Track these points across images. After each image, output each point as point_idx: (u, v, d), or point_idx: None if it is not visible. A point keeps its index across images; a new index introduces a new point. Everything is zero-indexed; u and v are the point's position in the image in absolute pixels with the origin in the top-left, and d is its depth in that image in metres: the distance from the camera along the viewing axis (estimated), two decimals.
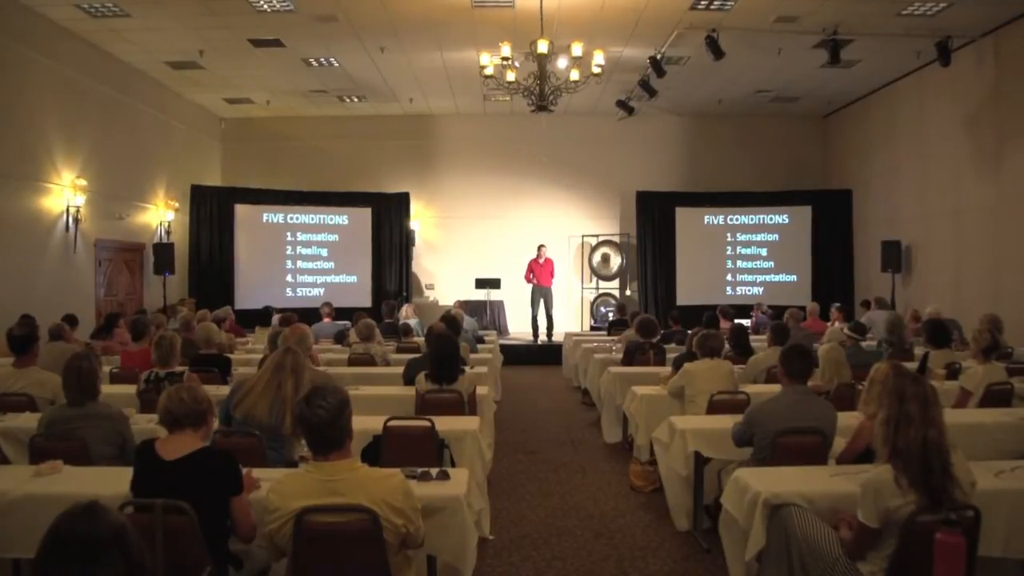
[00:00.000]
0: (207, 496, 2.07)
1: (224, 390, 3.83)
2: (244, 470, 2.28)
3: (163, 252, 9.40)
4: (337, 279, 11.38)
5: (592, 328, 11.19)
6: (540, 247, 10.37)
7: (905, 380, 2.10)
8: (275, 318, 7.24)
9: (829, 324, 7.21)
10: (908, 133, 9.50)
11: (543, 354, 10.07)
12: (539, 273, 10.25)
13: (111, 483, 2.33)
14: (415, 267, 11.90)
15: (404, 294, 11.26)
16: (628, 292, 11.91)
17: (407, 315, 8.26)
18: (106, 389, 3.96)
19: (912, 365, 4.22)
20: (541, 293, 10.26)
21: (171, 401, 2.21)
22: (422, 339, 6.28)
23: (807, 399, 2.96)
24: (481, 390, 4.21)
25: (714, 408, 3.79)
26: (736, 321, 7.07)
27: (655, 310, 11.17)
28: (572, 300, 12.20)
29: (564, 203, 12.00)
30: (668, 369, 4.89)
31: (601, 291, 12.05)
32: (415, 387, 3.95)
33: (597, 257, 11.93)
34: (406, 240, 11.49)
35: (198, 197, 10.59)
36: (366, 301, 11.11)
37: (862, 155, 10.77)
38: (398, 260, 11.48)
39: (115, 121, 8.70)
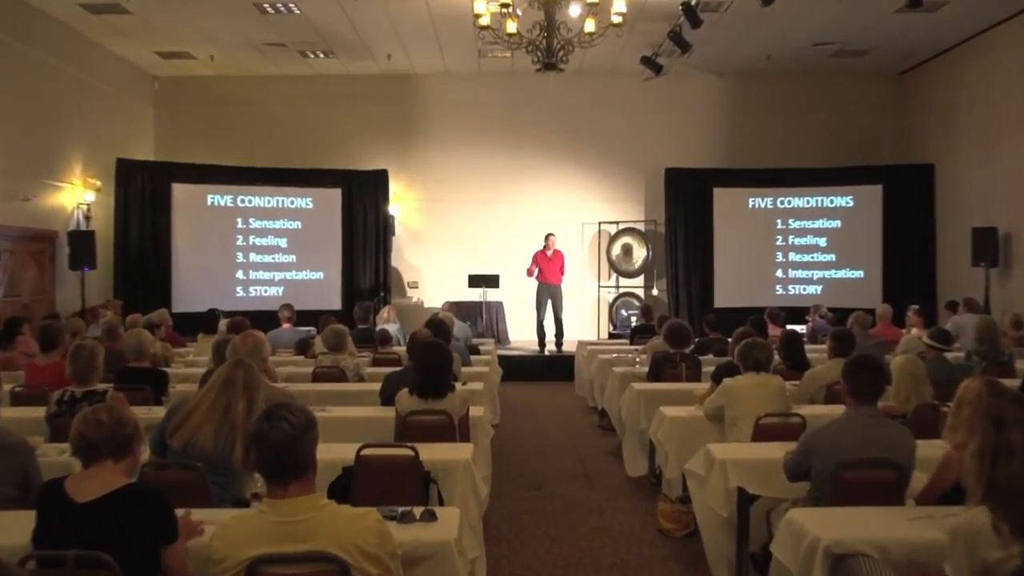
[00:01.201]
0: (132, 547, 2.03)
1: (158, 412, 3.82)
2: (180, 512, 2.25)
3: (81, 242, 9.35)
4: (299, 276, 11.39)
5: (611, 335, 11.22)
6: (548, 236, 10.37)
7: (1004, 401, 2.08)
8: (222, 323, 7.24)
9: (905, 331, 7.21)
10: (1008, 93, 9.39)
11: (551, 367, 10.08)
12: (546, 268, 10.24)
13: (11, 531, 2.28)
14: (395, 261, 11.90)
15: (382, 294, 11.27)
16: (655, 292, 11.92)
17: (385, 319, 8.27)
18: (6, 413, 3.95)
19: (1012, 382, 4.17)
20: (549, 292, 10.26)
21: (86, 425, 2.17)
22: (403, 349, 6.26)
23: (877, 424, 2.95)
24: (475, 411, 4.21)
25: (761, 434, 3.78)
26: (788, 327, 7.06)
27: (688, 314, 11.17)
28: (586, 301, 12.20)
29: (577, 183, 12.01)
30: (704, 386, 4.87)
31: (622, 290, 12.04)
32: (395, 407, 3.94)
33: (617, 249, 11.93)
34: (384, 228, 11.49)
35: (125, 174, 10.57)
36: (335, 303, 11.11)
37: (948, 121, 10.73)
38: (374, 253, 11.49)
39: (15, 79, 8.61)
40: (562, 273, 10.38)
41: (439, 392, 3.86)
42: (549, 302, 10.27)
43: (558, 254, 10.36)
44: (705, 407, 4.21)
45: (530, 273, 10.32)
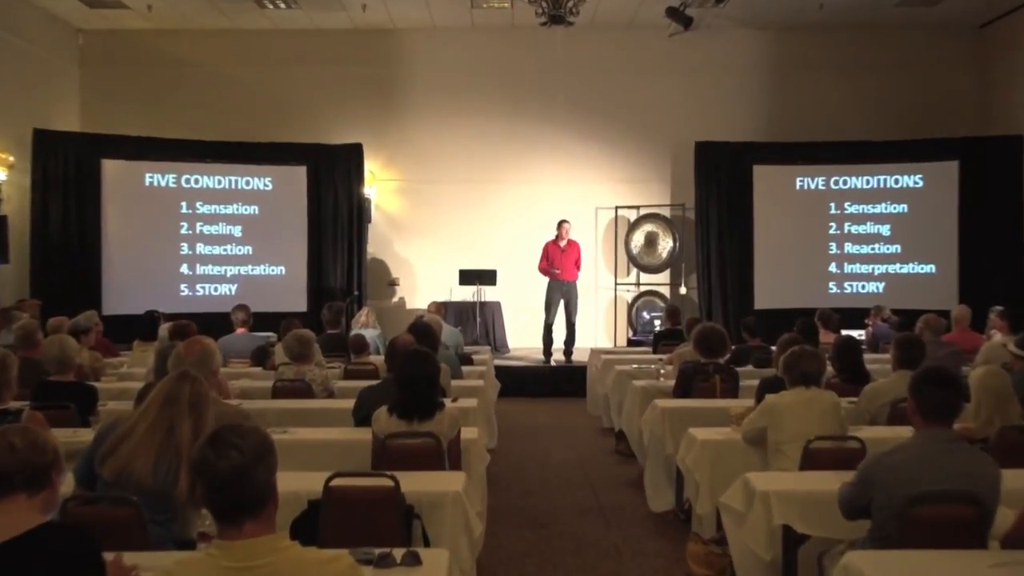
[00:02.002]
0: None
1: (85, 435, 3.82)
2: (110, 557, 2.24)
3: None
4: (257, 271, 11.40)
5: (630, 342, 11.23)
6: (561, 224, 10.32)
7: None
8: (163, 328, 7.21)
9: (985, 337, 7.18)
10: None
11: (558, 381, 10.09)
12: (560, 261, 10.21)
13: None
14: (372, 254, 11.91)
15: (356, 293, 11.28)
16: (683, 290, 11.92)
17: (362, 324, 8.26)
18: None
19: None
20: (562, 291, 10.22)
21: None
22: (382, 358, 6.26)
23: (953, 449, 2.94)
24: (468, 433, 4.21)
25: (812, 461, 3.78)
26: (844, 333, 7.04)
27: (723, 316, 11.18)
28: (600, 301, 12.20)
29: (589, 160, 12.01)
30: (743, 403, 4.87)
31: (643, 288, 12.04)
32: (371, 428, 3.94)
33: (638, 239, 11.93)
34: (358, 214, 11.50)
35: (45, 148, 10.55)
36: (299, 303, 11.12)
37: None
38: (346, 244, 11.50)
39: None
40: (578, 268, 10.36)
41: (424, 411, 3.86)
42: (561, 303, 10.25)
43: (573, 245, 10.33)
44: (744, 429, 4.20)
45: (542, 268, 10.28)
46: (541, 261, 10.32)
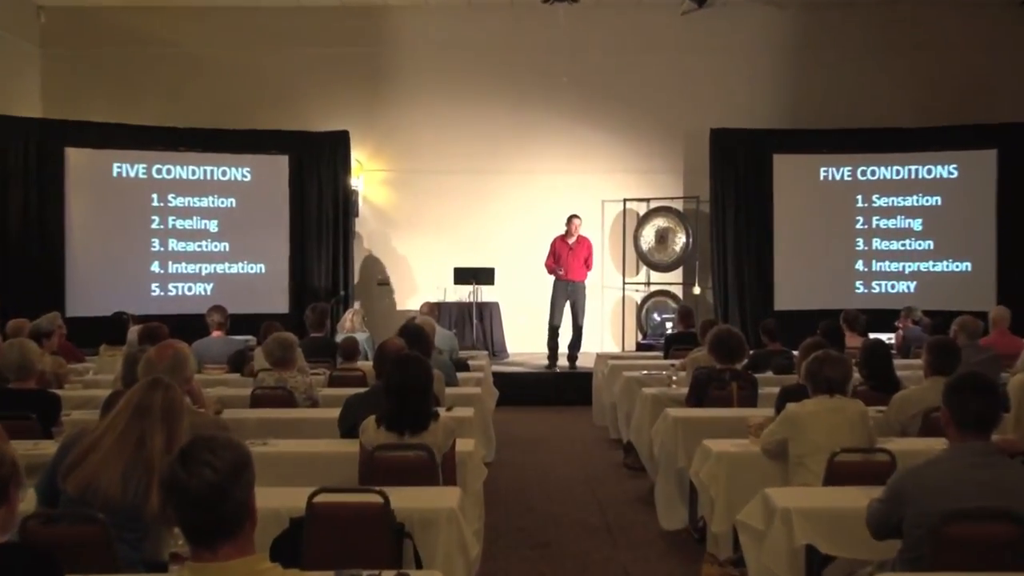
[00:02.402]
0: None
1: (47, 448, 3.82)
2: None
3: None
4: (234, 269, 11.41)
5: (639, 346, 11.23)
6: (571, 219, 10.28)
7: None
8: (133, 331, 7.21)
9: None
10: None
11: (561, 388, 10.11)
12: (568, 260, 10.20)
13: None
14: (359, 251, 11.92)
15: (342, 293, 11.29)
16: (697, 290, 11.92)
17: (347, 326, 8.26)
18: None
19: None
20: (569, 292, 10.23)
21: None
22: (370, 364, 6.26)
23: (991, 463, 2.94)
24: (464, 445, 4.21)
25: (837, 475, 3.78)
26: (872, 336, 7.04)
27: (741, 318, 11.21)
28: (607, 302, 12.21)
29: (596, 149, 12.02)
30: (762, 412, 4.88)
31: (654, 288, 12.04)
32: (359, 440, 3.94)
33: (648, 234, 11.94)
34: (344, 208, 11.52)
35: (3, 135, 10.54)
36: (281, 304, 11.15)
37: None
38: (331, 240, 11.51)
39: None
40: (588, 267, 10.35)
41: (416, 422, 3.86)
42: (568, 305, 10.25)
43: (583, 242, 10.31)
44: (763, 440, 4.20)
45: (550, 267, 10.26)
46: (548, 258, 10.31)
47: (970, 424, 2.94)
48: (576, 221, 10.28)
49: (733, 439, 4.51)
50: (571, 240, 10.24)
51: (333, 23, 11.85)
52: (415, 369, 3.97)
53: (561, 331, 10.38)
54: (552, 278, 10.29)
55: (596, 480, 6.78)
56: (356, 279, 11.81)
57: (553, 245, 10.30)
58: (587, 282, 10.50)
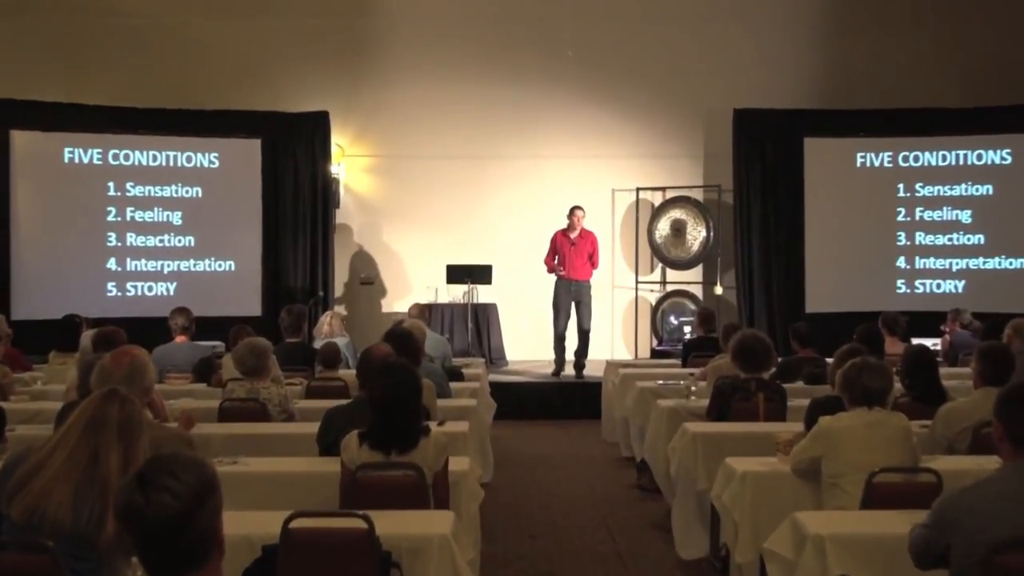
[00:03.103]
0: None
1: None
2: None
3: None
4: (200, 266, 11.40)
5: (655, 353, 11.22)
6: (573, 211, 10.31)
7: None
8: (86, 336, 7.22)
9: None
10: None
11: (567, 400, 10.11)
12: (570, 257, 10.23)
13: None
14: (340, 246, 11.91)
15: (321, 294, 11.29)
16: (718, 290, 11.91)
17: (324, 331, 8.25)
18: None
19: None
20: (573, 292, 10.25)
21: None
22: (353, 372, 6.25)
23: None
24: (457, 464, 4.21)
25: (876, 497, 3.78)
26: (915, 341, 7.02)
27: (768, 322, 11.23)
28: (618, 303, 12.22)
29: (605, 132, 12.02)
30: (791, 427, 4.86)
31: (671, 288, 12.05)
32: (340, 459, 3.94)
33: (663, 227, 11.94)
34: (324, 198, 11.51)
35: None
36: (252, 306, 11.15)
37: None
38: (309, 233, 11.51)
39: None
40: (593, 264, 10.38)
41: (404, 438, 3.85)
42: (572, 306, 10.27)
43: (587, 237, 10.34)
44: (793, 458, 4.19)
45: (550, 265, 10.29)
46: (548, 255, 10.33)
47: None
48: (579, 213, 10.29)
49: (759, 457, 4.50)
50: (573, 234, 10.25)
51: None
52: (403, 378, 3.96)
53: (565, 338, 10.41)
54: (553, 277, 10.30)
55: (606, 503, 6.78)
56: (337, 278, 11.79)
57: (553, 240, 10.31)
58: (593, 281, 10.50)
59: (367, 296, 12.06)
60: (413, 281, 11.74)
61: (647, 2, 11.87)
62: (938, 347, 8.61)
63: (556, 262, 10.22)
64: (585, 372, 10.37)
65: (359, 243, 12.17)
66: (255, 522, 3.27)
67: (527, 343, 11.42)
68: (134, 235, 11.20)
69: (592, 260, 10.32)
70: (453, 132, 11.96)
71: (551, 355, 10.58)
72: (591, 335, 10.42)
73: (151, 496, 1.89)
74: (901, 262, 11.65)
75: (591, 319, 10.35)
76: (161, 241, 11.29)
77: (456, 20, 11.92)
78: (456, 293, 11.32)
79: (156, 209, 11.25)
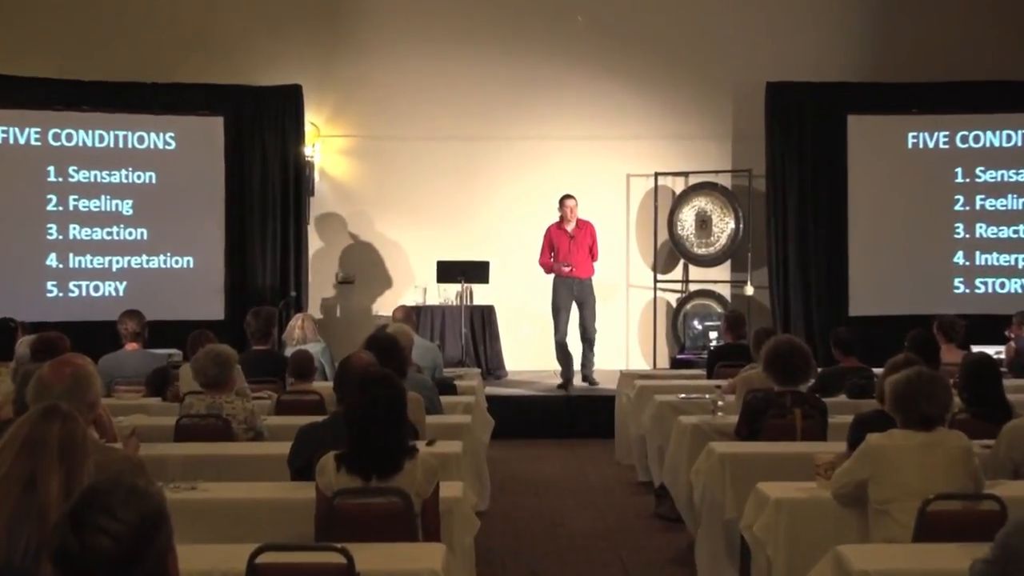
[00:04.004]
0: None
1: None
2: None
3: None
4: (154, 263, 11.40)
5: (675, 362, 11.24)
6: (564, 201, 10.42)
7: None
8: (23, 342, 7.20)
9: None
10: None
11: (577, 416, 10.11)
12: (572, 252, 10.27)
13: None
14: (315, 240, 11.91)
15: (293, 294, 11.30)
16: (749, 290, 11.92)
17: (296, 336, 8.25)
18: None
19: None
20: (576, 292, 10.31)
21: None
22: (330, 384, 6.25)
23: None
24: (450, 489, 4.22)
25: (932, 528, 3.77)
26: (975, 349, 7.00)
27: (806, 326, 11.24)
28: (634, 306, 12.23)
29: (618, 110, 12.03)
30: (833, 447, 4.85)
31: (694, 287, 12.05)
32: (315, 484, 3.94)
33: (686, 218, 11.96)
34: (296, 184, 11.52)
35: None
36: (215, 309, 11.16)
37: None
38: (280, 225, 11.52)
39: None
40: (593, 258, 10.44)
41: (387, 461, 3.85)
42: (573, 307, 10.33)
43: (584, 228, 10.42)
44: (835, 483, 4.19)
45: (548, 265, 10.36)
46: (543, 254, 10.42)
47: None
48: (569, 203, 10.40)
49: (796, 482, 4.50)
50: (570, 226, 10.34)
51: None
52: (386, 391, 3.96)
53: (567, 344, 10.46)
54: (552, 277, 10.35)
55: (620, 534, 6.76)
56: (311, 276, 11.78)
57: (548, 236, 10.40)
58: (605, 281, 10.53)
59: (346, 297, 12.07)
60: (399, 280, 11.74)
61: None
62: (1001, 355, 8.57)
63: (555, 259, 10.27)
64: (596, 383, 10.39)
65: (337, 236, 12.16)
66: (216, 557, 3.26)
67: (529, 351, 11.42)
68: (78, 227, 11.18)
69: (592, 252, 10.40)
70: (445, 109, 11.97)
71: (556, 365, 10.61)
72: (596, 341, 10.47)
73: (85, 539, 1.88)
74: (959, 258, 11.63)
75: (595, 321, 10.41)
76: (109, 234, 11.26)
77: None
78: (448, 293, 11.31)
79: (103, 197, 11.23)
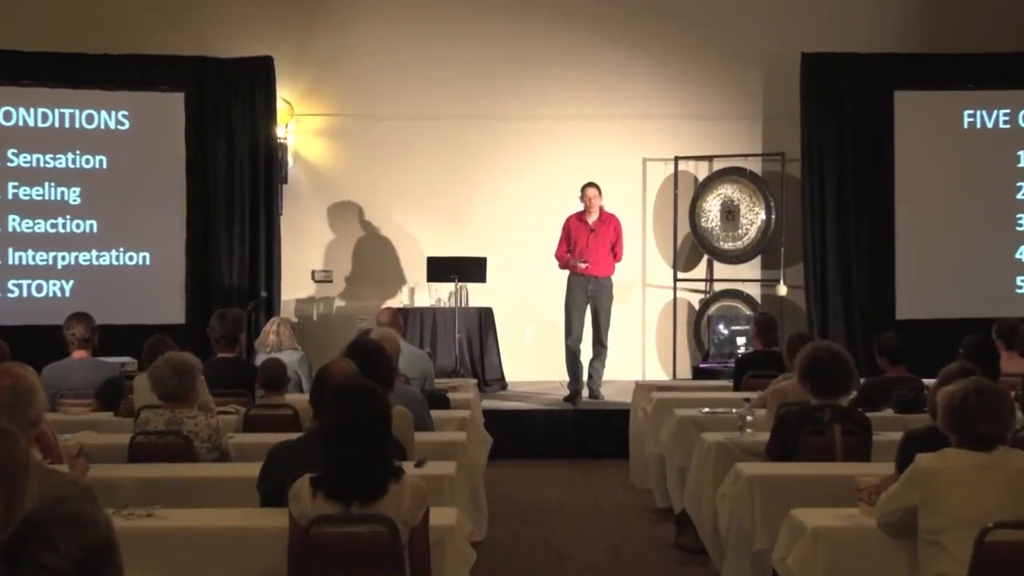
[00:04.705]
0: None
1: None
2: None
3: None
4: (105, 259, 11.42)
5: (699, 372, 11.27)
6: (585, 189, 10.42)
7: None
8: None
9: None
10: None
11: (586, 432, 10.14)
12: (590, 246, 10.31)
13: None
14: (288, 233, 11.93)
15: (264, 294, 11.32)
16: (782, 290, 11.93)
17: (270, 342, 8.27)
18: None
19: None
20: (591, 292, 10.36)
21: None
22: (305, 397, 6.26)
23: None
24: (441, 516, 4.23)
25: (990, 560, 3.77)
26: None
27: (847, 331, 11.26)
28: (651, 308, 12.27)
29: (633, 84, 12.06)
30: (877, 468, 4.86)
31: (719, 287, 12.09)
32: (288, 510, 3.94)
33: (711, 207, 12.01)
34: (267, 169, 11.55)
35: None
36: (174, 311, 11.19)
37: None
38: (247, 216, 11.56)
39: None
40: (616, 257, 10.49)
41: (369, 484, 3.85)
42: (588, 310, 10.37)
43: (609, 221, 10.47)
44: (880, 509, 4.18)
45: (563, 259, 10.40)
46: (559, 246, 10.42)
47: None
48: (590, 192, 10.39)
49: (836, 508, 4.50)
50: (591, 218, 10.34)
51: None
52: (368, 405, 3.95)
53: (579, 352, 10.49)
54: (566, 273, 10.36)
55: (635, 567, 6.78)
56: (284, 274, 11.79)
57: (566, 227, 10.42)
58: (617, 279, 10.52)
59: (323, 298, 12.09)
60: (384, 278, 11.76)
61: None
62: None
63: (572, 254, 10.28)
64: (605, 395, 10.43)
65: (313, 228, 12.17)
66: None
67: (532, 359, 11.45)
68: (18, 218, 11.19)
69: (615, 251, 10.41)
70: (436, 85, 12.00)
71: (563, 375, 10.63)
72: (608, 347, 10.51)
73: (23, 570, 1.90)
74: (1021, 254, 11.67)
75: (609, 326, 10.45)
76: (54, 226, 11.27)
77: None
78: (440, 294, 11.33)
79: (47, 184, 11.24)
